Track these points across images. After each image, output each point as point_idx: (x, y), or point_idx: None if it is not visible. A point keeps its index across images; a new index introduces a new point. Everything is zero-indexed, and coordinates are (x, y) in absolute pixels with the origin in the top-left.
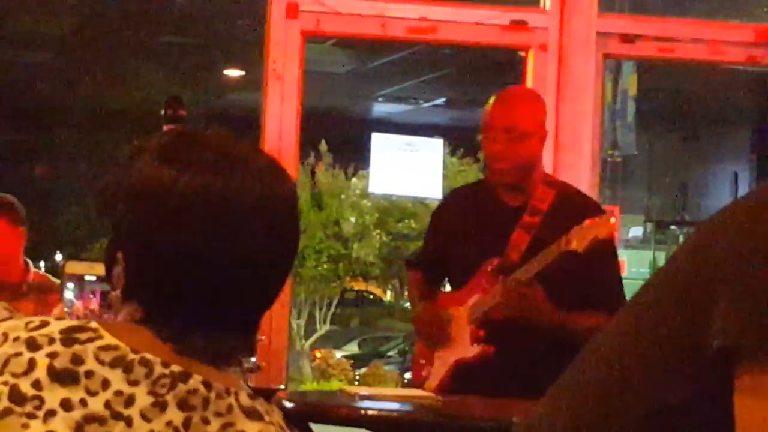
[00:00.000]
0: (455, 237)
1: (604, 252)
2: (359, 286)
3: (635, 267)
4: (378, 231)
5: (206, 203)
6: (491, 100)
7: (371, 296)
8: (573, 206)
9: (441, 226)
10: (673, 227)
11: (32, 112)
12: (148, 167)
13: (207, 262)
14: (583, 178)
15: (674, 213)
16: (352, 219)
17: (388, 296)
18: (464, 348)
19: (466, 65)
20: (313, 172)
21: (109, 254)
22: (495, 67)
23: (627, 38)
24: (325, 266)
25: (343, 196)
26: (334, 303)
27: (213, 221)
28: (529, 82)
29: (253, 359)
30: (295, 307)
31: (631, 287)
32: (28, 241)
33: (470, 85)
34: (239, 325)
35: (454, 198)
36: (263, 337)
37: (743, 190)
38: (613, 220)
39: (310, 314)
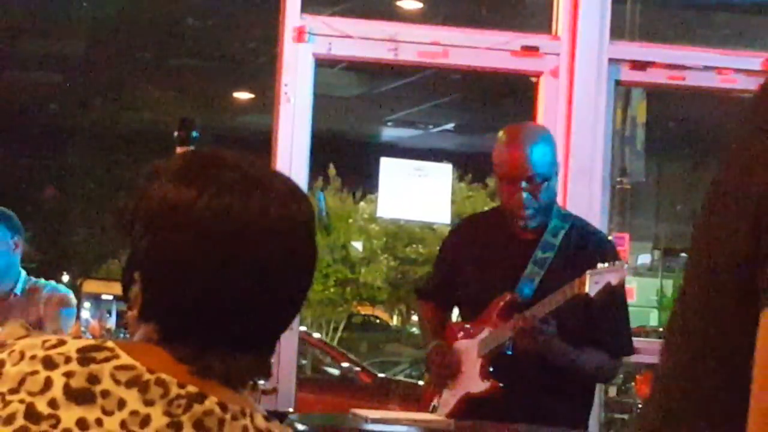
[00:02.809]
0: (466, 267)
1: (615, 298)
2: (366, 310)
3: (644, 294)
4: (386, 255)
5: (224, 224)
6: (502, 140)
7: (378, 320)
8: (585, 242)
9: (452, 255)
10: (682, 255)
11: (43, 133)
12: (166, 188)
13: (224, 283)
14: (594, 205)
15: (683, 241)
16: (359, 243)
17: (395, 321)
18: (473, 383)
19: (475, 90)
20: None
21: (126, 274)
22: (505, 93)
23: (638, 65)
24: (332, 290)
25: (350, 220)
26: (341, 327)
27: (231, 242)
28: (540, 108)
29: (262, 382)
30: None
31: (638, 315)
32: (37, 261)
33: (480, 110)
34: (256, 346)
35: (465, 227)
36: (272, 360)
37: None
38: (626, 266)
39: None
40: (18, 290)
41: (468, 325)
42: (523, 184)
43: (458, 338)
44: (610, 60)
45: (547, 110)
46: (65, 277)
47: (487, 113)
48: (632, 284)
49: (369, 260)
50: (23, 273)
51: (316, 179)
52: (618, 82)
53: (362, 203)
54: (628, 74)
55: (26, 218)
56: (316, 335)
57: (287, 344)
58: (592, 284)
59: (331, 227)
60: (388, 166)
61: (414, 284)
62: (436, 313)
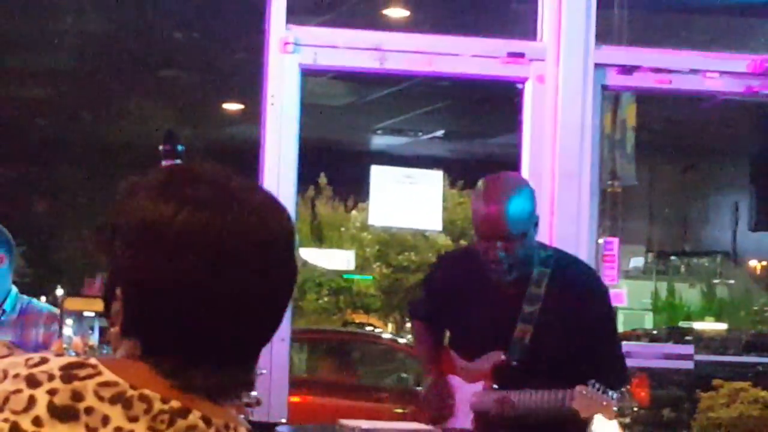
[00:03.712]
0: (454, 305)
1: (607, 330)
2: (361, 318)
3: (637, 297)
4: (378, 263)
5: (204, 239)
6: (479, 195)
7: (373, 329)
8: (570, 283)
9: (438, 290)
10: (673, 258)
11: (31, 148)
12: (145, 203)
13: (205, 297)
14: (583, 210)
15: (675, 243)
16: (352, 252)
17: (390, 328)
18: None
19: (465, 97)
20: (313, 205)
21: (107, 290)
22: (494, 99)
23: (624, 69)
24: (325, 299)
25: (342, 229)
26: None
27: (211, 257)
28: (527, 114)
29: (254, 393)
30: (297, 340)
31: (630, 318)
32: (30, 276)
33: (469, 117)
34: (238, 360)
35: (447, 265)
36: (264, 371)
37: (744, 220)
38: (615, 409)
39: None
40: (7, 306)
41: (464, 366)
42: (499, 243)
43: (456, 372)
44: (597, 65)
45: (534, 116)
46: (59, 291)
47: (476, 119)
48: (623, 288)
49: (362, 268)
50: (14, 289)
51: (307, 189)
52: (605, 87)
53: (354, 212)
54: (614, 78)
55: (17, 233)
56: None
57: (278, 355)
58: (583, 408)
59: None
60: (378, 174)
61: (407, 292)
62: (431, 335)
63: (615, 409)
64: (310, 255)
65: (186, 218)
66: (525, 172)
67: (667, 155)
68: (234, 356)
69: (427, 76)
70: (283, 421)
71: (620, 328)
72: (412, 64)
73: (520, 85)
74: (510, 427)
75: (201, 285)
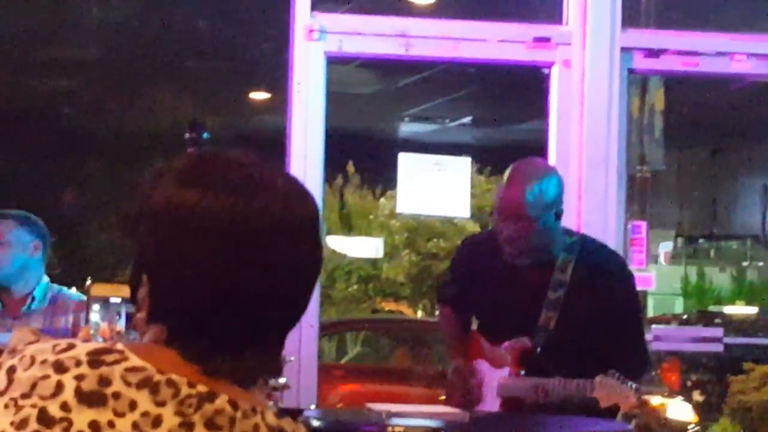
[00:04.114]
0: (479, 290)
1: (630, 317)
2: (390, 306)
3: (667, 282)
4: (407, 251)
5: (229, 224)
6: (504, 177)
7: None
8: (595, 269)
9: (462, 275)
10: (702, 242)
11: (59, 139)
12: (170, 190)
13: (231, 282)
14: (610, 194)
15: (704, 227)
16: (380, 240)
17: (419, 316)
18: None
19: (492, 83)
20: (341, 194)
21: (133, 276)
22: (521, 85)
23: (651, 53)
24: (355, 287)
25: (371, 217)
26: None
27: (236, 242)
28: (554, 99)
29: (283, 379)
30: (326, 328)
31: (660, 303)
32: (59, 267)
33: (497, 103)
34: (264, 344)
35: (470, 250)
36: (293, 358)
37: None
38: (634, 399)
39: (340, 336)
40: (37, 294)
41: (490, 350)
42: (512, 224)
43: (483, 357)
44: (623, 48)
45: (561, 101)
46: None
47: (504, 105)
48: (652, 272)
49: (391, 256)
50: (46, 278)
51: (335, 177)
52: (631, 71)
53: (382, 200)
54: (641, 62)
55: (46, 225)
56: None
57: (307, 341)
58: (603, 397)
59: None
60: (406, 161)
61: (436, 280)
62: (457, 320)
63: (633, 399)
64: (339, 243)
65: (211, 203)
66: (552, 157)
67: (696, 139)
68: (260, 341)
69: (453, 62)
70: (313, 406)
71: (650, 313)
72: (437, 50)
73: (546, 70)
74: (542, 412)
75: (226, 270)
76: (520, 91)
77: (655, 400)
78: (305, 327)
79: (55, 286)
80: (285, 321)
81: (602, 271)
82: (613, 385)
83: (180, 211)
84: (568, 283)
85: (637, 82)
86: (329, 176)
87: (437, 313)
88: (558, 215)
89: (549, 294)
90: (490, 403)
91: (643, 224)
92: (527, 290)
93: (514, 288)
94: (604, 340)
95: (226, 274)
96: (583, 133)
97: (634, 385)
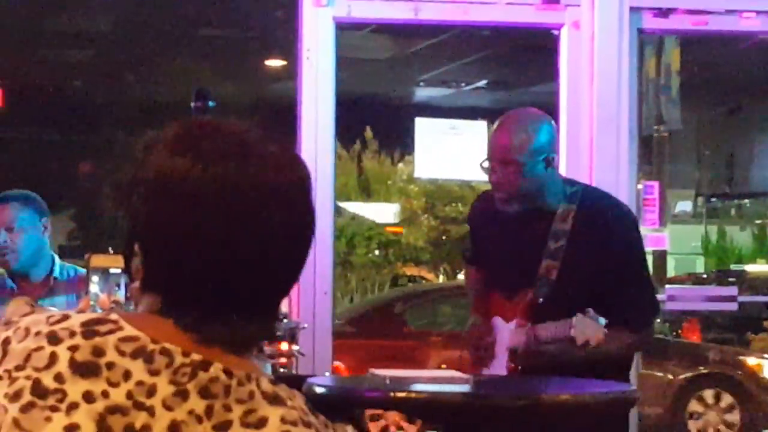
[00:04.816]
0: (486, 244)
1: (631, 262)
2: (412, 271)
3: (686, 242)
4: (426, 215)
5: (220, 192)
6: (495, 123)
7: (423, 281)
8: (597, 216)
9: (474, 231)
10: (720, 200)
11: (75, 110)
12: (161, 158)
13: (223, 250)
14: (622, 154)
15: (723, 186)
16: (399, 205)
17: (441, 280)
18: (501, 368)
19: (505, 46)
20: (359, 160)
21: (126, 246)
22: (535, 47)
23: (660, 12)
24: (375, 252)
25: (390, 182)
26: (386, 288)
27: (227, 209)
28: (563, 61)
29: (297, 347)
30: (347, 294)
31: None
32: (80, 238)
33: (511, 66)
34: (258, 311)
35: (481, 204)
36: (306, 325)
37: None
38: (601, 335)
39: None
40: (57, 273)
41: (506, 304)
42: (497, 167)
43: (496, 314)
44: (632, 8)
45: (571, 62)
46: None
47: (519, 68)
48: (665, 232)
49: (410, 221)
50: (56, 256)
51: (353, 143)
52: (641, 31)
53: (401, 164)
54: (650, 21)
55: (64, 195)
56: None
57: (321, 309)
58: (577, 332)
59: None
60: (423, 126)
61: (455, 243)
62: (479, 279)
63: (601, 335)
64: (358, 209)
65: (202, 171)
66: (563, 118)
67: (713, 98)
68: (253, 308)
69: (462, 25)
70: (327, 374)
71: (670, 273)
72: (446, 13)
73: (555, 32)
74: (543, 369)
75: (218, 237)
76: (534, 54)
77: (751, 361)
78: (319, 294)
79: (66, 264)
80: (278, 287)
81: (604, 220)
82: (586, 322)
83: (171, 180)
84: (570, 233)
85: (653, 43)
86: (347, 142)
87: (459, 277)
88: (548, 162)
89: (549, 244)
90: (502, 361)
91: (656, 184)
92: (528, 241)
93: (513, 239)
94: (607, 288)
95: (218, 242)
96: (594, 94)
97: (604, 321)
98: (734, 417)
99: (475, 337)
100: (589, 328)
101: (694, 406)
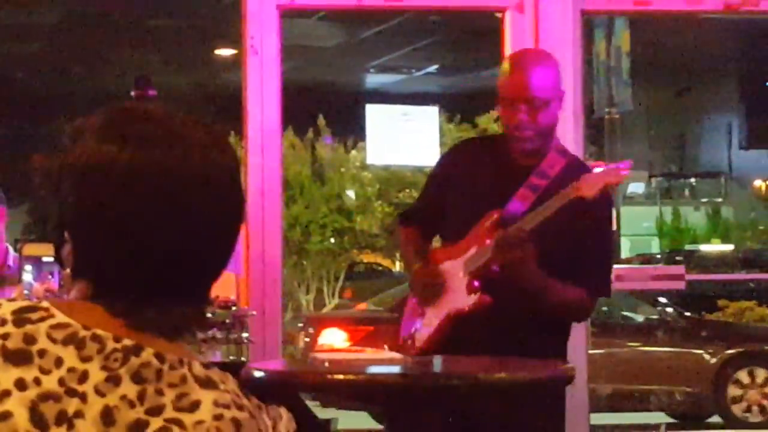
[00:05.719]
0: (457, 186)
1: (602, 235)
2: (369, 258)
3: (641, 223)
4: (380, 202)
5: (148, 177)
6: (505, 66)
7: (380, 267)
8: (579, 176)
9: (444, 173)
10: (671, 180)
11: (27, 103)
12: (89, 145)
13: (152, 235)
14: (567, 137)
15: (672, 166)
16: (352, 192)
17: (397, 267)
18: (460, 299)
19: (455, 31)
20: (313, 147)
21: (56, 234)
22: (484, 32)
23: None
24: (331, 240)
25: (343, 169)
26: (342, 276)
27: (155, 195)
28: (507, 44)
29: (246, 334)
30: (303, 282)
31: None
32: (33, 233)
33: (461, 50)
34: (188, 296)
35: (464, 147)
36: (254, 312)
37: (736, 139)
38: (624, 171)
39: (318, 289)
40: (11, 262)
41: (453, 247)
42: (522, 106)
43: (444, 260)
44: None
45: (515, 45)
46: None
47: (469, 53)
48: (623, 212)
49: (364, 208)
50: (10, 247)
51: (306, 131)
52: (584, 12)
53: (353, 152)
54: (594, 2)
55: (18, 189)
56: None
57: (271, 296)
58: (589, 187)
59: None
60: (374, 112)
61: None
62: (418, 238)
63: (624, 172)
64: (313, 197)
65: (129, 156)
66: None
67: (662, 80)
68: (184, 293)
69: (406, 9)
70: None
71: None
72: None
73: (499, 15)
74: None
75: (147, 223)
76: (483, 38)
77: None
78: (268, 282)
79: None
80: (208, 272)
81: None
82: (598, 171)
83: (99, 166)
84: (553, 176)
85: (603, 25)
86: (300, 130)
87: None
88: (560, 100)
89: (532, 178)
90: (460, 294)
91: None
92: (511, 174)
93: (497, 175)
94: (568, 249)
95: (146, 227)
96: None
97: (621, 169)
98: None
99: (423, 275)
100: (604, 175)
101: (733, 390)
